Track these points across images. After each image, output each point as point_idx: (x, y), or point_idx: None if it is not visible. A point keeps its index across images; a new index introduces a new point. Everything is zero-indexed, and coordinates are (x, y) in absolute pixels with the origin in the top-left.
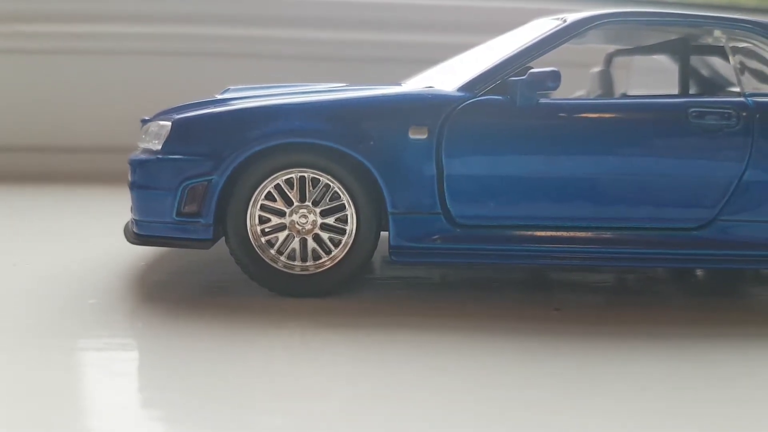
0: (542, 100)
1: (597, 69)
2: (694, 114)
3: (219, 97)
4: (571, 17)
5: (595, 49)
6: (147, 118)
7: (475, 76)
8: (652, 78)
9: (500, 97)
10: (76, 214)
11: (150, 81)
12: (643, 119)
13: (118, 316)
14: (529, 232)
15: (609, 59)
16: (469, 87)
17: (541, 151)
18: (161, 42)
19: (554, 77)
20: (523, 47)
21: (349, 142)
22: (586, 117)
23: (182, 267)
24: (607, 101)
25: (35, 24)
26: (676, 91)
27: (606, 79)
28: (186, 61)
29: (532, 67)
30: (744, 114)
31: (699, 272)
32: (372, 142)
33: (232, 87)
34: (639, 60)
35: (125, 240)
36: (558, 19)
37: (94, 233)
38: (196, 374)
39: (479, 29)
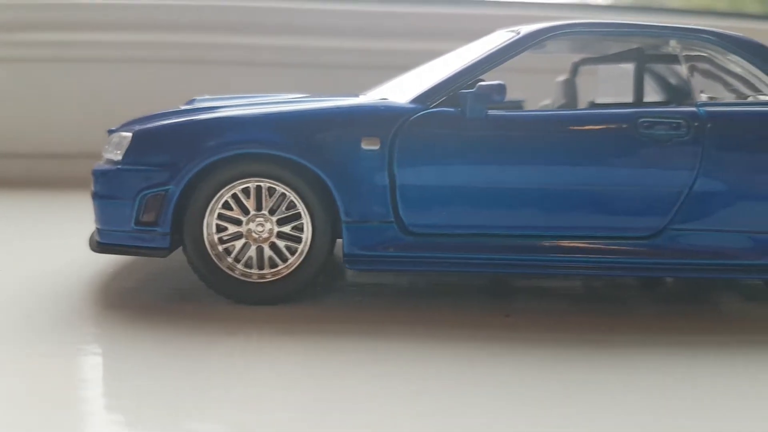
0: (491, 112)
1: (562, 78)
2: (643, 124)
3: (183, 107)
4: (524, 29)
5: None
6: (113, 128)
7: (427, 88)
8: (624, 85)
9: (451, 109)
10: (51, 219)
11: (128, 88)
12: (592, 130)
13: (82, 322)
14: (481, 241)
15: (575, 68)
16: (421, 99)
17: (490, 162)
18: (140, 50)
19: (500, 90)
20: (476, 60)
21: (303, 152)
22: (534, 128)
23: (151, 273)
24: (555, 113)
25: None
26: (641, 99)
27: (570, 88)
28: (166, 69)
29: (483, 80)
30: (695, 124)
31: (665, 280)
32: (325, 153)
33: (198, 98)
34: (610, 68)
35: (88, 248)
36: (512, 31)
37: (67, 239)
38: (154, 381)
39: (461, 37)
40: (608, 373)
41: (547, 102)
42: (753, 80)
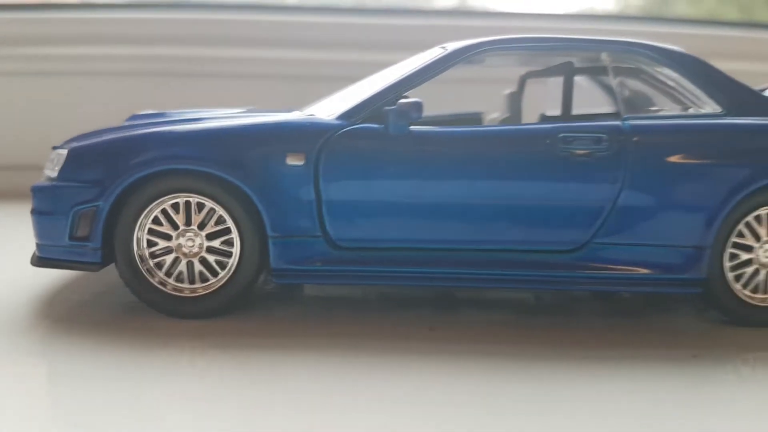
0: (413, 128)
1: (509, 91)
2: (564, 139)
3: (124, 123)
4: (451, 46)
5: None
6: (57, 145)
7: (353, 105)
8: (580, 96)
9: (375, 126)
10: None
11: (82, 101)
12: (512, 146)
13: (26, 337)
14: (406, 255)
15: (522, 81)
16: (347, 115)
17: (414, 177)
18: (90, 63)
19: (417, 108)
20: (401, 77)
21: (228, 168)
22: (455, 144)
23: (105, 285)
24: (475, 129)
25: None
26: (569, 112)
27: (516, 101)
28: (118, 82)
29: (407, 96)
30: (619, 138)
31: (613, 294)
32: (251, 168)
33: (138, 113)
34: (556, 80)
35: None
36: (441, 47)
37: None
38: (87, 395)
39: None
40: (522, 383)
41: (495, 115)
42: (685, 93)
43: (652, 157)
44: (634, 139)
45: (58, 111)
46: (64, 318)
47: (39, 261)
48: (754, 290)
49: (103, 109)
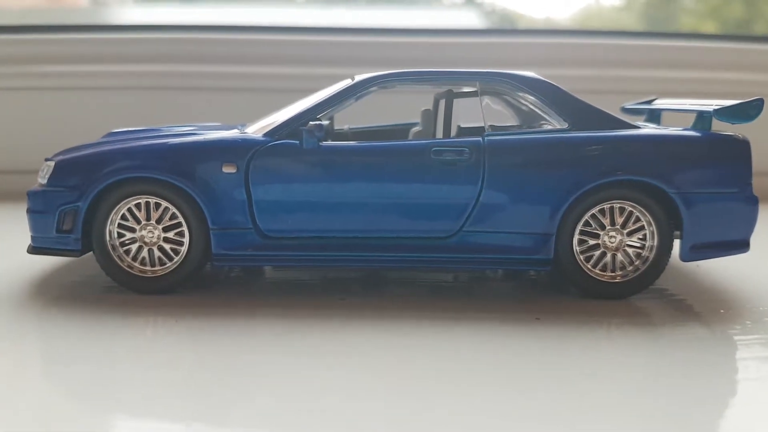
0: (324, 144)
1: (425, 108)
2: (434, 152)
3: (101, 139)
4: (358, 77)
5: None
6: (48, 157)
7: (276, 125)
8: (474, 113)
9: (293, 141)
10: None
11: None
12: (398, 157)
13: (26, 308)
14: (320, 242)
15: (436, 100)
16: (271, 133)
17: (323, 182)
18: (83, 79)
19: (320, 128)
20: (315, 103)
21: (178, 176)
22: (355, 156)
23: (85, 272)
24: (370, 144)
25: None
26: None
27: (429, 118)
28: (103, 97)
29: (319, 119)
30: (479, 150)
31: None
32: (195, 176)
33: (114, 130)
34: (462, 100)
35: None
36: (350, 78)
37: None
38: (70, 352)
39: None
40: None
41: (418, 128)
42: (539, 112)
43: (504, 164)
44: (490, 150)
45: (53, 123)
46: (57, 295)
47: (33, 249)
48: (603, 269)
49: (92, 122)
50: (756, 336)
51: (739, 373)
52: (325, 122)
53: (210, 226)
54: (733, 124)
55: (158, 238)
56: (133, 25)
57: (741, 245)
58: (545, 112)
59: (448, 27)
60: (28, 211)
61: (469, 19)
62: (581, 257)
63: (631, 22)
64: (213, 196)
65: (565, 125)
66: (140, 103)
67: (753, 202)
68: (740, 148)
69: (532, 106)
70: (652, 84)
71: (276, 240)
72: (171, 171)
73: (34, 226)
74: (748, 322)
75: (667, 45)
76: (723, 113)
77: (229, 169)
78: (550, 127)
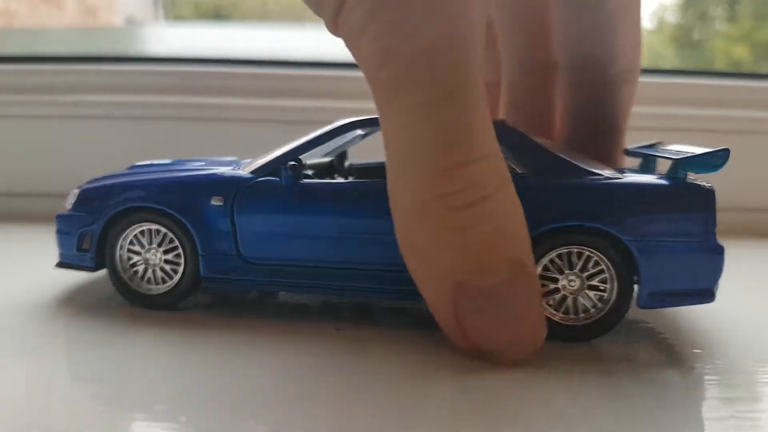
0: (304, 181)
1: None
2: None
3: (123, 171)
4: (337, 122)
5: None
6: (76, 186)
7: (261, 164)
8: None
9: (275, 179)
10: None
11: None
12: (368, 195)
13: (55, 317)
14: (298, 270)
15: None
16: (256, 171)
17: (300, 215)
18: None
19: (294, 168)
20: (297, 144)
21: (174, 206)
22: (326, 193)
23: (107, 290)
24: (341, 182)
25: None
26: None
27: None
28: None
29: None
30: None
31: None
32: (187, 206)
33: (135, 164)
34: None
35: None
36: (332, 123)
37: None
38: (88, 354)
39: None
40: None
41: None
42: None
43: None
44: None
45: (82, 151)
46: (82, 306)
47: (59, 264)
48: (567, 312)
49: (124, 150)
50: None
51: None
52: (313, 161)
53: (200, 252)
54: (697, 173)
55: (160, 260)
56: (167, 57)
57: (705, 295)
58: (506, 157)
59: None
60: (57, 231)
61: None
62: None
63: (662, 47)
64: (202, 225)
65: (524, 171)
66: (170, 133)
67: (717, 251)
68: (703, 198)
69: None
70: (692, 122)
71: (257, 266)
72: (168, 203)
73: (61, 245)
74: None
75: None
76: (686, 163)
77: (217, 202)
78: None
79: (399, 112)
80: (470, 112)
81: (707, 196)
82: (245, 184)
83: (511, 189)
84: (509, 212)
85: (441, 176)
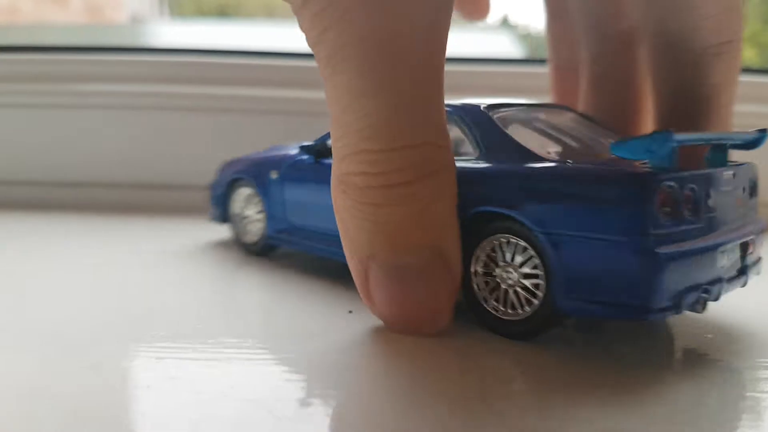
0: (323, 161)
1: None
2: None
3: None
4: None
5: None
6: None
7: (305, 144)
8: None
9: (307, 157)
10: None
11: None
12: None
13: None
14: (329, 237)
15: None
16: (301, 150)
17: (318, 190)
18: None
19: (310, 149)
20: None
21: (253, 177)
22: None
23: None
24: None
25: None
26: None
27: None
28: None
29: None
30: None
31: None
32: (261, 177)
33: (272, 146)
34: None
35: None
36: None
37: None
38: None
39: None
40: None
41: None
42: (465, 139)
43: None
44: None
45: (84, 141)
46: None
47: (210, 220)
48: (513, 307)
49: (124, 140)
50: None
51: None
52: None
53: (266, 214)
54: (631, 160)
55: (255, 218)
56: (169, 48)
57: (638, 309)
58: (468, 140)
59: (477, 56)
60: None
61: (503, 42)
62: (482, 296)
63: None
64: (267, 193)
65: (476, 154)
66: (177, 123)
67: (649, 255)
68: (637, 188)
69: (461, 134)
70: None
71: (299, 230)
72: (252, 175)
73: (212, 203)
74: None
75: None
76: (619, 147)
77: (274, 175)
78: (464, 156)
79: (335, 88)
80: (398, 104)
81: (644, 187)
82: (290, 161)
83: (445, 177)
84: (435, 199)
85: (364, 156)
